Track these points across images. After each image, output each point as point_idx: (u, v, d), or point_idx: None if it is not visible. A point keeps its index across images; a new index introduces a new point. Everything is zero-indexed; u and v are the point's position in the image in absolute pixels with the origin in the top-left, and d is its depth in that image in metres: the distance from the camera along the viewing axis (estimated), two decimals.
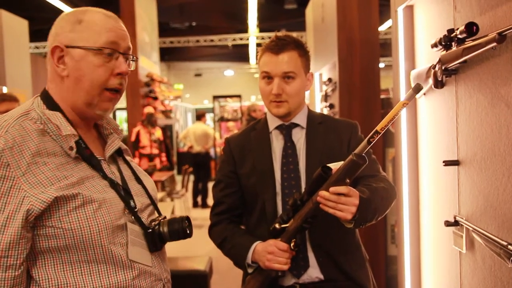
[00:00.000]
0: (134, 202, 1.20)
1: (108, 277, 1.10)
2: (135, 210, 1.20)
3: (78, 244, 1.06)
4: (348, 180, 1.39)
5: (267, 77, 1.65)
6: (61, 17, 1.18)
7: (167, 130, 9.34)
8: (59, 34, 1.15)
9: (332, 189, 1.39)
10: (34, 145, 1.05)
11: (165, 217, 1.27)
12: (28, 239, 1.04)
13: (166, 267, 1.27)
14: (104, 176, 1.15)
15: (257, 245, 1.60)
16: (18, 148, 1.03)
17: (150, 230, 1.21)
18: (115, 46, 1.16)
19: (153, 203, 1.30)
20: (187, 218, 1.26)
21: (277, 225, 1.54)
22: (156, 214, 1.30)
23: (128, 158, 1.33)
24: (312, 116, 1.74)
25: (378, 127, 1.30)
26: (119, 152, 1.30)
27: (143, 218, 1.21)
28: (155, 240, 1.21)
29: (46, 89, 1.20)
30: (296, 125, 1.72)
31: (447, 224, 1.46)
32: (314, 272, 1.63)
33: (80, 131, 1.17)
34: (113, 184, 1.16)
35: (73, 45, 1.13)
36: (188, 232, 1.24)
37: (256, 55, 1.75)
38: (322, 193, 1.40)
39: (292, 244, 1.53)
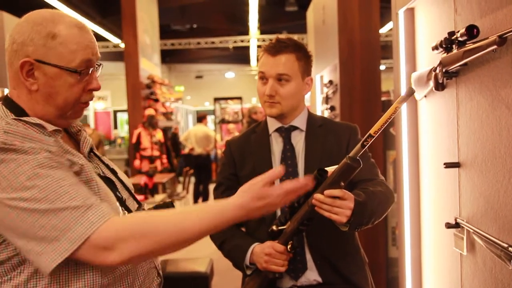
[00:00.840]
0: (120, 194, 1.22)
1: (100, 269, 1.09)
2: (124, 200, 1.21)
3: None
4: (342, 183, 1.39)
5: (263, 77, 1.67)
6: (27, 25, 1.10)
7: (168, 132, 9.35)
8: (26, 45, 1.08)
9: (327, 192, 1.39)
10: (37, 136, 1.05)
11: (143, 205, 1.30)
12: None
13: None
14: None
15: (255, 247, 1.61)
16: (21, 136, 1.02)
17: None
18: (90, 63, 1.14)
19: (131, 194, 1.30)
20: (171, 203, 1.26)
21: (274, 227, 1.54)
22: (137, 204, 1.30)
23: (97, 153, 1.31)
24: (312, 119, 1.75)
25: (371, 131, 1.30)
26: (90, 148, 1.28)
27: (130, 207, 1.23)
28: None
29: (9, 96, 1.15)
30: (295, 128, 1.72)
31: (448, 226, 1.46)
32: (312, 275, 1.63)
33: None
34: (104, 178, 1.18)
35: (46, 62, 1.09)
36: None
37: (257, 57, 1.76)
38: (317, 196, 1.40)
39: (289, 246, 1.53)
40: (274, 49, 1.65)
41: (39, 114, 1.13)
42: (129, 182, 1.34)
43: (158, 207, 1.24)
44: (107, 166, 1.29)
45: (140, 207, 1.28)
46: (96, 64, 1.17)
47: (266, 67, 1.66)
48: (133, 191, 1.33)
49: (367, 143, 1.32)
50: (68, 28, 1.11)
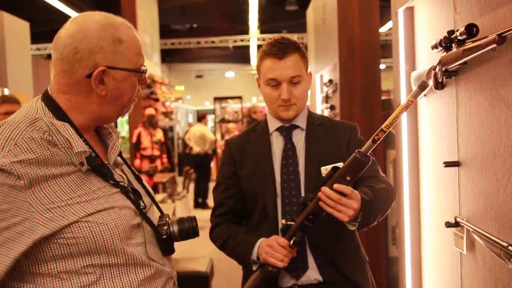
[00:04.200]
0: (143, 202, 1.22)
1: (128, 277, 1.11)
2: (145, 210, 1.20)
3: (92, 249, 1.06)
4: (349, 178, 1.37)
5: (274, 83, 1.65)
6: (90, 33, 1.10)
7: (168, 131, 9.36)
8: (95, 53, 1.09)
9: (336, 185, 1.38)
10: (44, 158, 1.03)
11: (168, 215, 1.29)
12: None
13: (173, 265, 1.29)
14: (116, 184, 1.14)
15: (262, 241, 1.61)
16: (28, 162, 1.00)
17: (164, 236, 1.21)
18: (144, 62, 1.20)
19: (154, 201, 1.31)
20: (194, 218, 1.28)
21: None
22: (159, 213, 1.31)
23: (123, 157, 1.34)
24: (312, 118, 1.75)
25: (383, 126, 1.30)
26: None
27: (151, 218, 1.23)
28: (168, 244, 1.22)
29: (49, 95, 1.14)
30: (296, 126, 1.72)
31: (448, 225, 1.46)
32: (313, 274, 1.63)
33: (86, 136, 1.15)
34: (124, 190, 1.16)
35: (116, 67, 1.12)
36: (196, 231, 1.26)
37: (258, 62, 1.74)
38: (325, 189, 1.39)
39: (291, 242, 1.51)
40: (280, 52, 1.63)
41: (93, 114, 1.15)
42: (150, 188, 1.34)
43: (181, 221, 1.25)
44: (133, 172, 1.30)
45: (162, 215, 1.28)
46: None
47: (278, 72, 1.63)
48: (155, 197, 1.34)
49: (379, 138, 1.32)
50: (127, 30, 1.16)
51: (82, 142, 1.11)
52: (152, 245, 1.18)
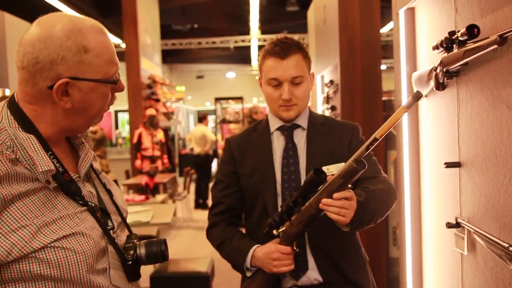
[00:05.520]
0: (112, 222, 1.14)
1: None
2: (113, 232, 1.13)
3: (54, 275, 0.98)
4: (350, 186, 1.39)
5: (275, 83, 1.64)
6: (51, 42, 1.00)
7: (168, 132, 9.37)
8: (57, 64, 1.00)
9: (336, 195, 1.38)
10: (7, 176, 0.95)
11: (136, 235, 1.22)
12: None
13: None
14: (84, 203, 1.08)
15: (256, 249, 1.60)
16: None
17: (130, 262, 1.13)
18: (118, 69, 1.11)
19: (123, 219, 1.23)
20: (165, 241, 1.21)
21: (274, 232, 1.54)
22: (127, 231, 1.24)
23: (94, 165, 1.23)
24: (313, 118, 1.75)
25: (377, 134, 1.30)
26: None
27: (117, 238, 1.15)
28: (134, 270, 1.15)
29: (16, 102, 1.06)
30: (298, 126, 1.72)
31: (449, 226, 1.46)
32: (313, 275, 1.63)
33: (54, 148, 1.07)
34: (92, 210, 1.09)
35: (82, 78, 1.03)
36: (165, 255, 1.19)
37: (259, 62, 1.73)
38: (326, 201, 1.39)
39: (294, 246, 1.53)
40: (282, 52, 1.62)
41: (60, 126, 1.07)
42: (123, 203, 1.27)
43: (149, 244, 1.18)
44: (104, 186, 1.21)
45: (131, 235, 1.21)
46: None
47: (279, 72, 1.62)
48: (126, 215, 1.26)
49: (372, 147, 1.32)
50: (95, 36, 1.05)
51: (48, 158, 1.02)
52: (116, 270, 1.11)
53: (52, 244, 0.97)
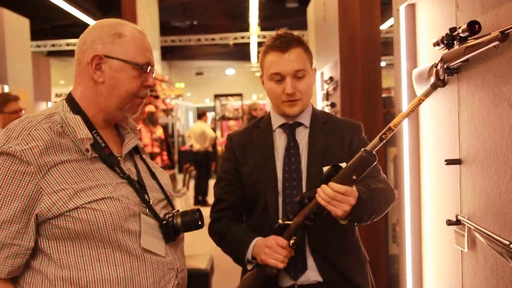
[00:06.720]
0: (148, 196, 1.29)
1: (116, 265, 1.18)
2: (150, 203, 1.28)
3: (87, 233, 1.15)
4: (354, 177, 1.36)
5: (278, 77, 1.62)
6: (95, 28, 1.28)
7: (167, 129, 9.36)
8: (96, 43, 1.24)
9: (330, 183, 1.37)
10: (53, 145, 1.15)
11: (178, 210, 1.35)
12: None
13: (180, 256, 1.35)
14: (121, 173, 1.25)
15: (258, 240, 1.58)
16: (38, 150, 1.13)
17: (165, 222, 1.29)
18: (150, 63, 1.31)
19: (167, 197, 1.39)
20: (198, 210, 1.33)
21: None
22: (170, 208, 1.38)
23: (144, 156, 1.43)
24: (316, 115, 1.73)
25: (391, 124, 1.29)
26: (136, 150, 1.41)
27: (157, 212, 1.29)
28: (170, 231, 1.29)
29: (70, 93, 1.30)
30: (300, 124, 1.70)
31: (449, 223, 1.46)
32: (312, 275, 1.62)
33: (101, 131, 1.28)
34: (129, 180, 1.26)
35: (113, 56, 1.25)
36: (200, 223, 1.32)
37: (258, 54, 1.72)
38: (322, 187, 1.39)
39: (291, 242, 1.49)
40: (283, 45, 1.60)
41: (100, 106, 1.27)
42: (168, 186, 1.43)
43: (184, 214, 1.32)
44: (149, 169, 1.40)
45: (172, 210, 1.34)
46: (154, 68, 1.33)
47: (281, 66, 1.60)
48: (171, 197, 1.42)
49: (386, 137, 1.30)
50: (132, 31, 1.29)
51: (88, 131, 1.22)
52: (150, 236, 1.24)
53: (84, 206, 1.15)
